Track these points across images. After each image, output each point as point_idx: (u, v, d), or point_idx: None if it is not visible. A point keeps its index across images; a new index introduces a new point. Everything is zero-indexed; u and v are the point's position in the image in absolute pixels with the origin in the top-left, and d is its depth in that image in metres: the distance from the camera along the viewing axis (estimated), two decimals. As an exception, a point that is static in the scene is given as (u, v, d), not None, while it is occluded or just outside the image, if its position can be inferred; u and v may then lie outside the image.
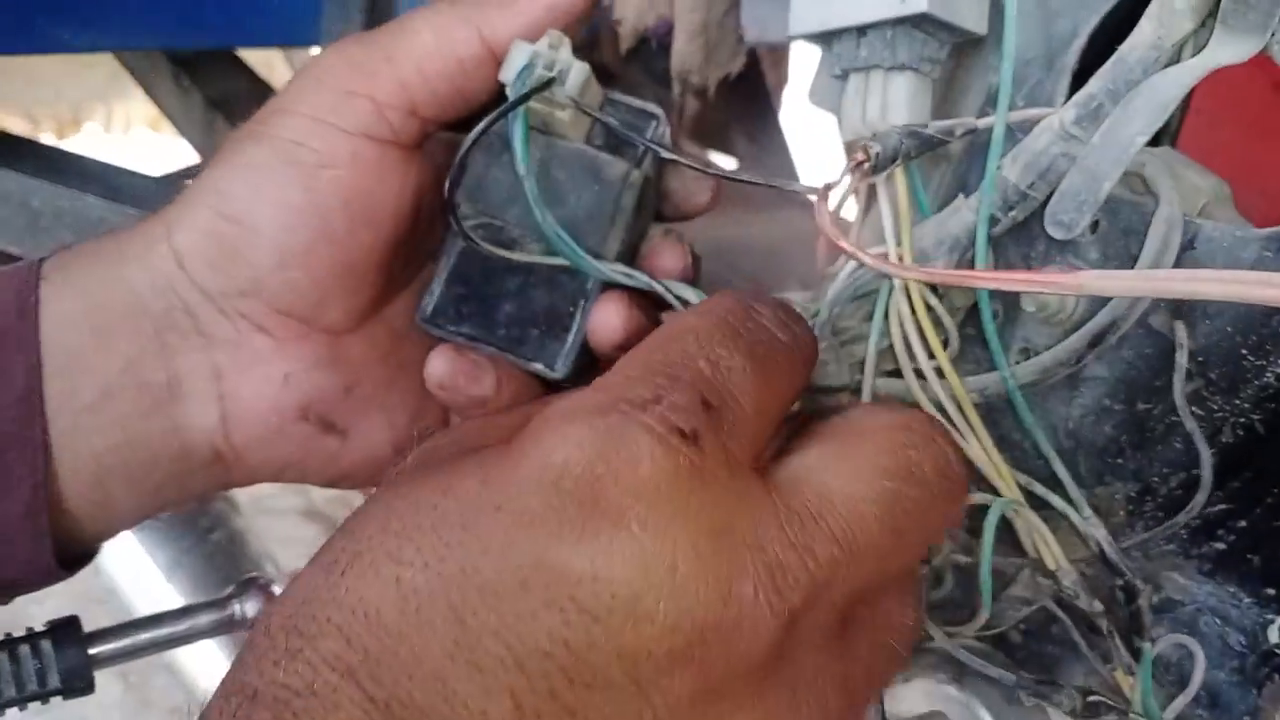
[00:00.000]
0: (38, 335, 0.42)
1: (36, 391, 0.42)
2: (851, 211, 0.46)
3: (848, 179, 0.39)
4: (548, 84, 0.41)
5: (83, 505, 0.44)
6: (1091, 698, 0.42)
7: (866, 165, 0.39)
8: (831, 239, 0.37)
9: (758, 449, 0.33)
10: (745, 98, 1.08)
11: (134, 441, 0.43)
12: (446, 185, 0.42)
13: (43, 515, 0.42)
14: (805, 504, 0.31)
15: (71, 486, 0.43)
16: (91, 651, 0.53)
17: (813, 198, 0.39)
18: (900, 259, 0.41)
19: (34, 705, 0.51)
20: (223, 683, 0.30)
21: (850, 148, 0.42)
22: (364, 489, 0.50)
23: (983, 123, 0.41)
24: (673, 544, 0.28)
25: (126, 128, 3.07)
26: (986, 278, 0.36)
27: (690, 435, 0.30)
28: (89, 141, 2.99)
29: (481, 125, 0.40)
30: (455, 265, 0.45)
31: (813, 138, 1.44)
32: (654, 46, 0.69)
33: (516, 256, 0.44)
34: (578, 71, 0.42)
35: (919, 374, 0.43)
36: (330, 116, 0.42)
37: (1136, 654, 0.43)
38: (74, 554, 0.45)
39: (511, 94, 0.41)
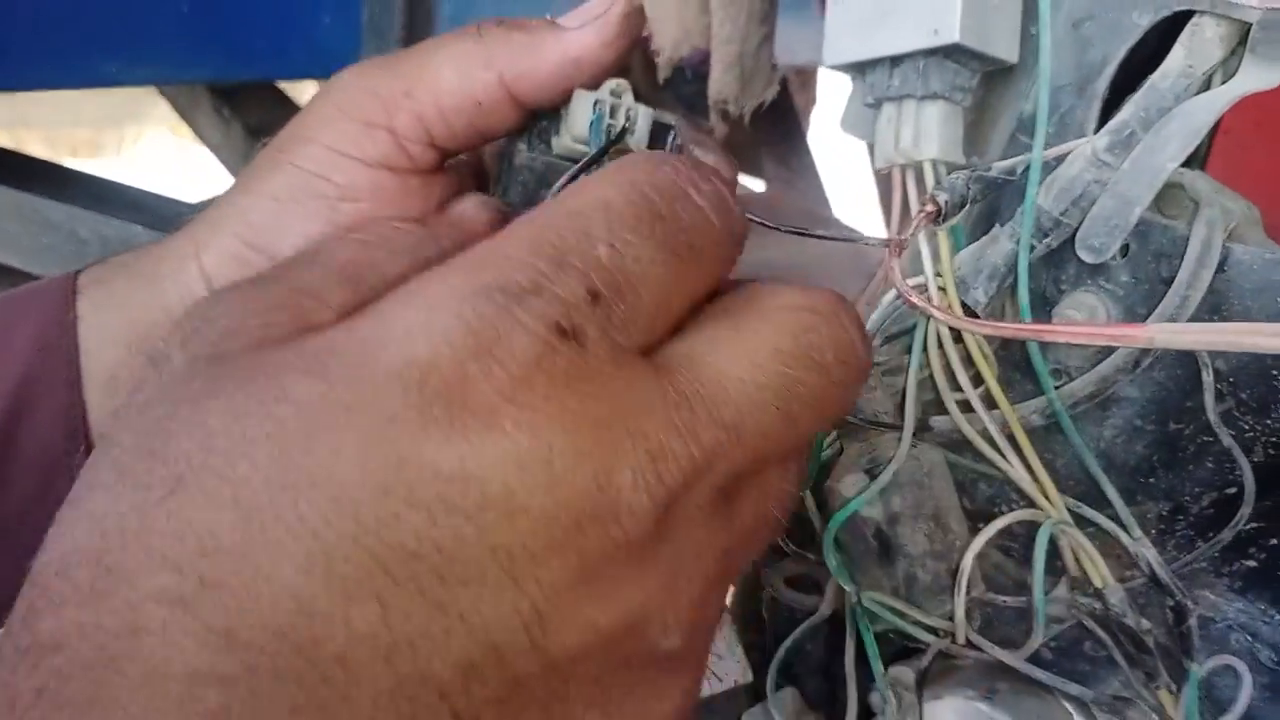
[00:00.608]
0: (78, 348, 0.43)
1: (79, 404, 0.43)
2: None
3: (917, 228, 0.40)
4: (621, 135, 0.42)
5: None
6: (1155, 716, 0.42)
7: (936, 214, 0.40)
8: (906, 297, 0.38)
9: (653, 338, 0.31)
10: (773, 120, 1.09)
11: None
12: None
13: None
14: (696, 388, 0.29)
15: None
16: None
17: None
18: (955, 309, 0.42)
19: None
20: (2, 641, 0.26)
21: (905, 192, 0.43)
22: None
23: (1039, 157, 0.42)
24: (548, 441, 0.26)
25: (137, 144, 3.11)
26: (1056, 332, 0.36)
27: (571, 332, 0.27)
28: (106, 163, 3.03)
29: (558, 185, 0.39)
30: None
31: (841, 159, 1.45)
32: (688, 74, 0.70)
33: None
34: (644, 117, 0.42)
35: (963, 405, 0.43)
36: (351, 149, 0.43)
37: (1177, 673, 0.43)
38: None
39: (591, 147, 0.42)
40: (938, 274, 0.43)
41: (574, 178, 0.39)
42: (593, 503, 0.27)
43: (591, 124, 0.42)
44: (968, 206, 0.41)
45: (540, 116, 0.44)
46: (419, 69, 0.42)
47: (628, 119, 0.42)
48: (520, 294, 0.27)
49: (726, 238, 0.33)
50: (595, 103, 0.42)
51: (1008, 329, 0.38)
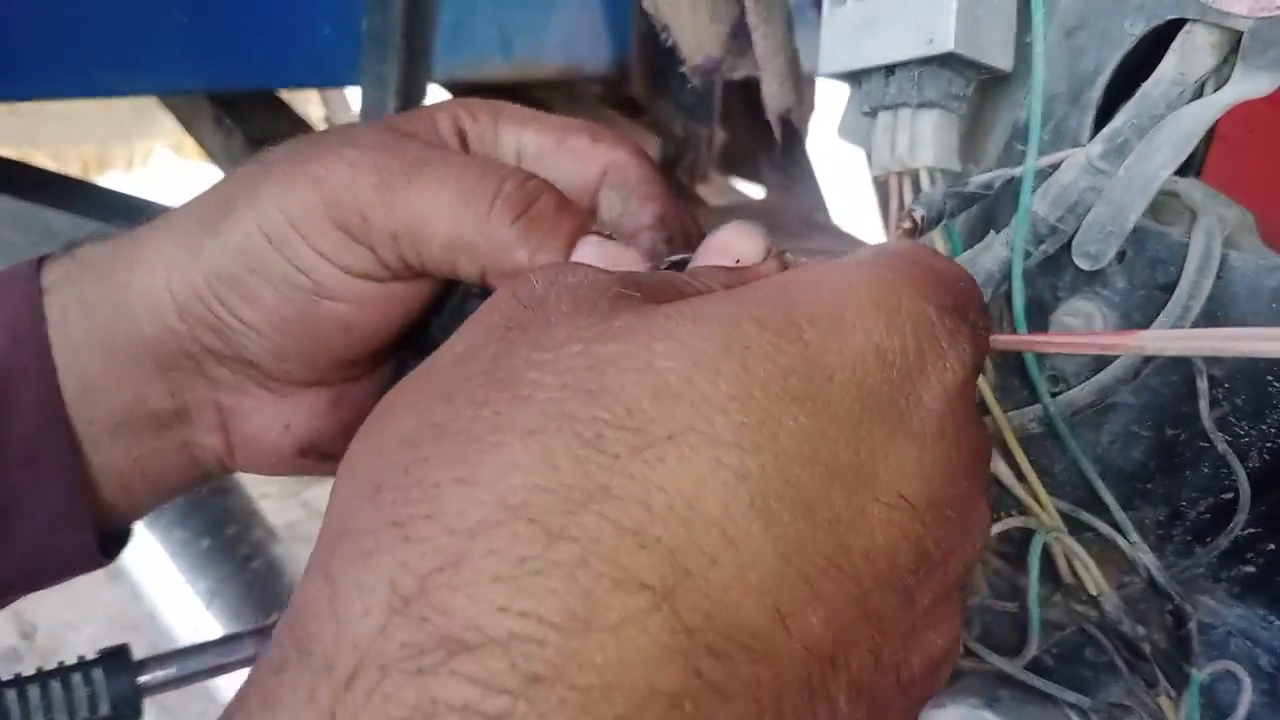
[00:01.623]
0: (49, 342, 0.42)
1: (56, 398, 0.42)
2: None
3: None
4: None
5: (112, 501, 0.45)
6: None
7: (914, 229, 0.40)
8: None
9: None
10: (771, 128, 1.09)
11: (149, 457, 0.45)
12: None
13: (82, 510, 0.43)
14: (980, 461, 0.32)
15: (101, 487, 0.45)
16: (140, 679, 0.55)
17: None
18: None
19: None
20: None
21: (892, 209, 0.43)
22: None
23: (1018, 171, 0.42)
24: (963, 457, 0.28)
25: (146, 162, 3.12)
26: (1054, 341, 0.37)
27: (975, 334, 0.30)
28: (114, 179, 3.04)
29: None
30: None
31: (839, 166, 1.45)
32: (688, 83, 0.70)
33: None
34: None
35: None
36: (332, 255, 0.40)
37: (1177, 678, 0.43)
38: (110, 541, 0.47)
39: None
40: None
41: None
42: (977, 521, 0.29)
43: None
44: (945, 220, 0.41)
45: (467, 288, 0.43)
46: (413, 218, 0.39)
47: None
48: (955, 312, 0.29)
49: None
50: None
51: (1000, 341, 0.38)
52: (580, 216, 0.40)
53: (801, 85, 0.65)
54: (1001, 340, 0.39)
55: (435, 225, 0.39)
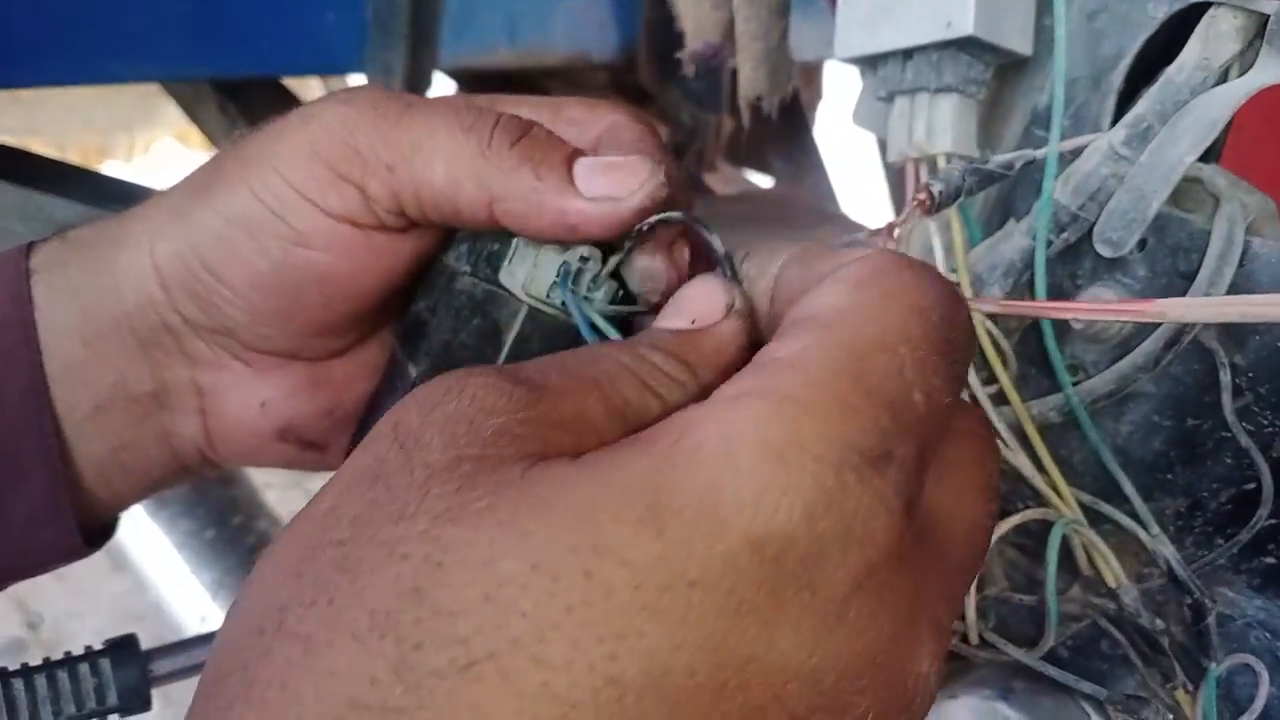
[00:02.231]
0: (35, 328, 0.42)
1: (43, 385, 0.42)
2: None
3: (909, 217, 0.40)
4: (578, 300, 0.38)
5: (95, 492, 0.45)
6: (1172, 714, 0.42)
7: (929, 204, 0.39)
8: None
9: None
10: (780, 116, 1.09)
11: (129, 446, 0.44)
12: (415, 371, 0.41)
13: (63, 500, 0.43)
14: (953, 553, 0.28)
15: (84, 477, 0.44)
16: (149, 669, 0.54)
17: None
18: (973, 293, 0.41)
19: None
20: None
21: (909, 185, 0.42)
22: None
23: (1040, 153, 0.41)
24: (887, 633, 0.24)
25: (147, 151, 3.11)
26: (1066, 309, 0.36)
27: (911, 506, 0.25)
28: (114, 169, 3.03)
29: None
30: None
31: (847, 153, 1.44)
32: (695, 68, 0.70)
33: None
34: (607, 289, 0.39)
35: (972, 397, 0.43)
36: (314, 195, 0.39)
37: (1195, 672, 0.43)
38: (94, 532, 0.46)
39: (565, 306, 0.38)
40: (952, 271, 0.42)
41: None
42: (907, 695, 0.25)
43: (555, 285, 0.38)
44: (962, 197, 0.40)
45: (479, 229, 0.40)
46: (411, 150, 0.38)
47: (591, 286, 0.39)
48: (875, 460, 0.24)
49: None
50: (562, 263, 0.39)
51: (1016, 306, 0.38)
52: (574, 151, 0.39)
53: (781, 73, 0.64)
54: (1015, 305, 0.38)
55: (435, 154, 0.38)
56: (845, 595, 0.24)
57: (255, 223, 0.40)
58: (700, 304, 0.33)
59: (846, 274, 0.28)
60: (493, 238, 0.40)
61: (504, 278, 0.39)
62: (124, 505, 0.47)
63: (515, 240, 0.39)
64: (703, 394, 0.28)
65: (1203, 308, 0.33)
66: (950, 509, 0.28)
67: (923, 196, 0.39)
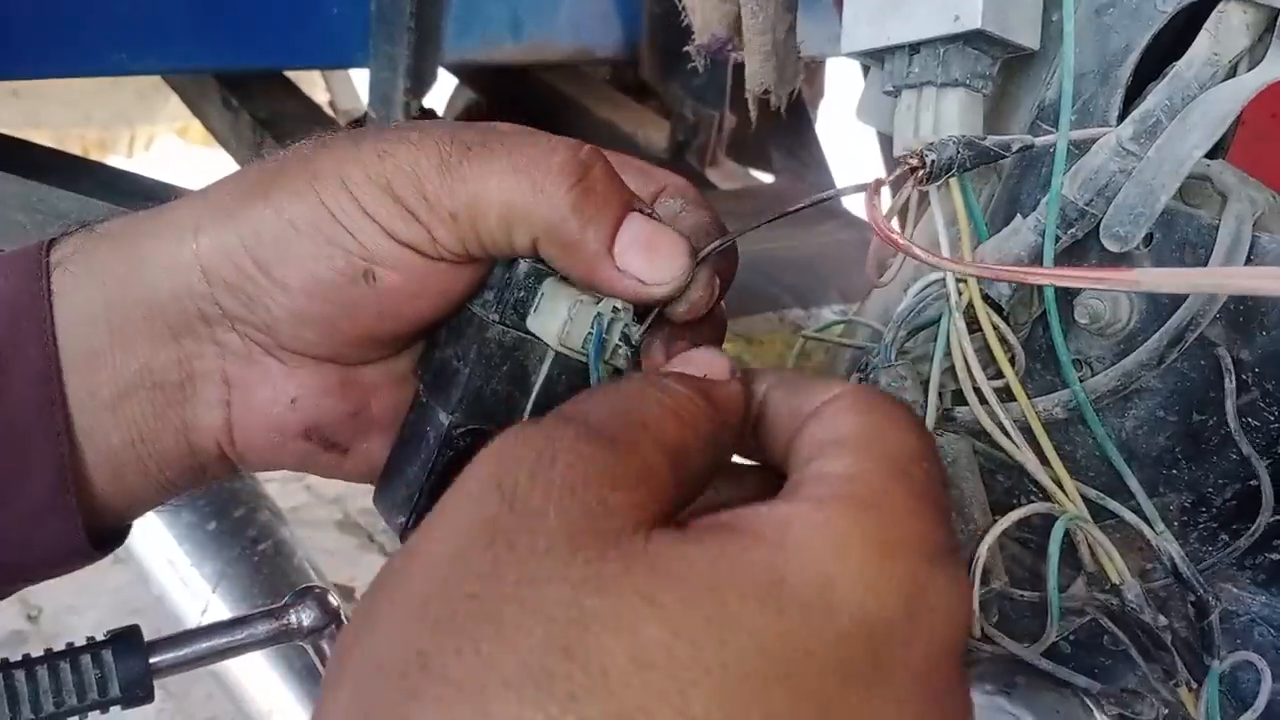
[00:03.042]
0: (52, 319, 0.42)
1: (55, 377, 0.42)
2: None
3: (899, 179, 0.40)
4: (623, 353, 0.42)
5: (106, 491, 0.44)
6: (1169, 708, 0.42)
7: (921, 172, 0.39)
8: (883, 233, 0.37)
9: None
10: (782, 112, 1.09)
11: (147, 439, 0.44)
12: (447, 418, 0.43)
13: (70, 496, 0.42)
14: None
15: (95, 474, 0.44)
16: (152, 661, 0.54)
17: (850, 202, 0.39)
18: (969, 310, 0.41)
19: (94, 714, 0.51)
20: None
21: (908, 154, 0.42)
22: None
23: (1040, 140, 0.41)
24: (954, 702, 0.29)
25: (149, 146, 3.11)
26: (1043, 274, 0.37)
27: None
28: (116, 163, 3.03)
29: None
30: (438, 480, 0.44)
31: (849, 150, 1.44)
32: (698, 64, 0.70)
33: None
34: (636, 338, 0.42)
35: (980, 395, 0.43)
36: (384, 221, 0.41)
37: (1198, 669, 0.43)
38: (103, 535, 0.45)
39: (590, 361, 0.42)
40: (958, 266, 0.42)
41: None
42: None
43: (590, 339, 0.42)
44: (955, 170, 0.40)
45: (508, 277, 0.43)
46: (471, 201, 0.40)
47: (622, 339, 0.42)
48: (950, 553, 0.30)
49: None
50: (595, 317, 0.42)
51: (994, 269, 0.38)
52: (629, 193, 0.41)
53: (789, 67, 0.64)
54: (995, 270, 0.39)
55: (491, 197, 0.40)
56: (926, 671, 0.28)
57: (322, 231, 0.41)
58: (709, 366, 0.38)
59: (848, 403, 0.34)
60: (519, 286, 0.42)
61: (531, 324, 0.42)
62: (135, 509, 0.46)
63: (541, 288, 0.42)
64: (729, 440, 0.34)
65: (1179, 277, 0.34)
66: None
67: (915, 163, 0.39)
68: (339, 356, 0.44)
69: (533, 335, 0.42)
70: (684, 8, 0.64)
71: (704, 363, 0.38)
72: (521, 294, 0.42)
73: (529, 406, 0.42)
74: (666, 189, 0.45)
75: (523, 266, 0.42)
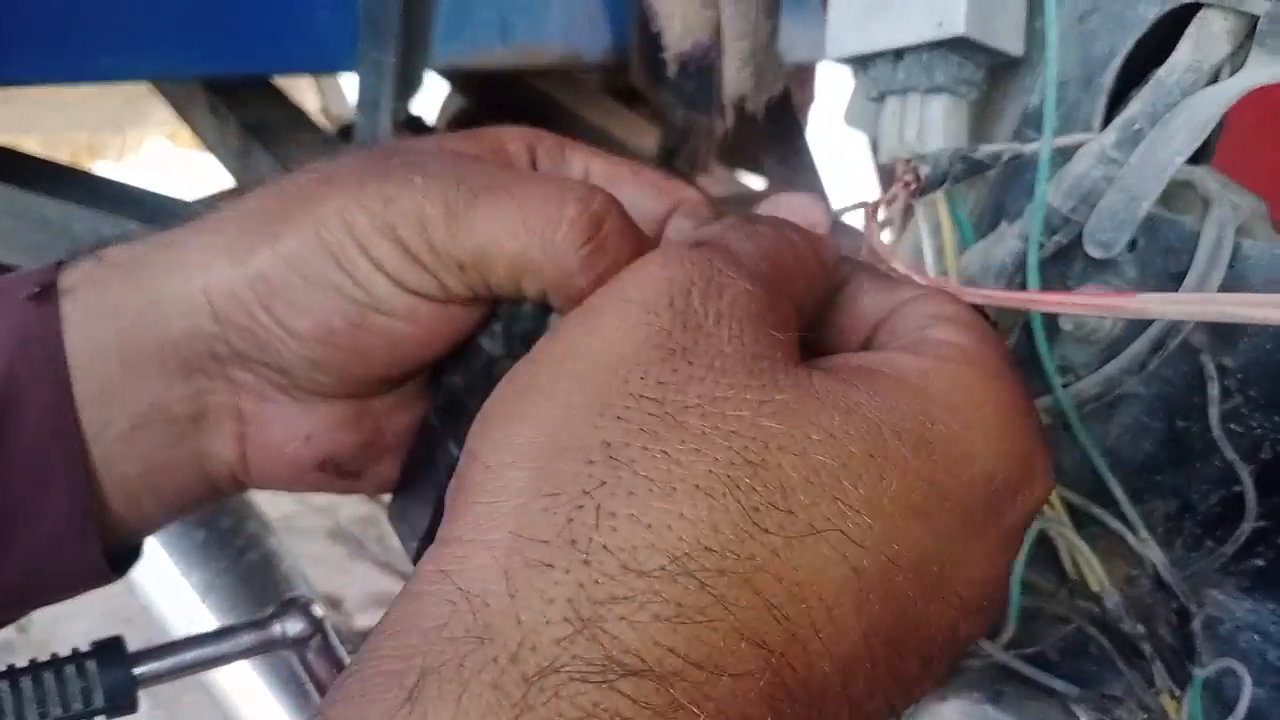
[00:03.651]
0: (63, 346, 0.41)
1: (69, 407, 0.41)
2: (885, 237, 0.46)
3: (894, 197, 0.40)
4: None
5: (122, 516, 0.44)
6: (1151, 715, 0.42)
7: (915, 186, 0.39)
8: (882, 259, 0.37)
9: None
10: (773, 117, 1.09)
11: (162, 469, 0.44)
12: (457, 452, 0.42)
13: (89, 521, 0.42)
14: None
15: (111, 500, 0.43)
16: (136, 671, 0.54)
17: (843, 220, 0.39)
18: (951, 276, 0.41)
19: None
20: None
21: (898, 168, 0.42)
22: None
23: (1029, 148, 0.41)
24: (1009, 557, 0.33)
25: (138, 150, 3.10)
26: (1047, 300, 0.36)
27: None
28: (105, 168, 3.02)
29: None
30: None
31: (840, 156, 1.44)
32: (687, 70, 0.70)
33: None
34: None
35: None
36: (393, 271, 0.40)
37: (1181, 676, 0.43)
38: (119, 556, 0.45)
39: None
40: (943, 273, 0.42)
41: None
42: (998, 604, 0.34)
43: None
44: (948, 183, 0.40)
45: (515, 311, 0.43)
46: (479, 252, 0.39)
47: None
48: (1045, 431, 0.33)
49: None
50: None
51: (1002, 297, 0.38)
52: (643, 243, 0.40)
53: (768, 74, 0.64)
54: (1002, 296, 0.39)
55: (499, 251, 0.39)
56: (1013, 528, 0.32)
57: (330, 281, 0.40)
58: (808, 215, 0.40)
59: (943, 298, 0.36)
60: (526, 318, 0.42)
61: None
62: (149, 529, 0.46)
63: (549, 319, 0.42)
64: (826, 299, 0.37)
65: (1184, 304, 0.34)
66: None
67: (909, 178, 0.39)
68: (353, 393, 0.44)
69: None
70: (655, 14, 0.64)
71: (803, 211, 0.40)
72: (528, 325, 0.43)
73: None
74: (680, 206, 0.45)
75: (530, 302, 0.42)
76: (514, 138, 0.45)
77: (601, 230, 0.39)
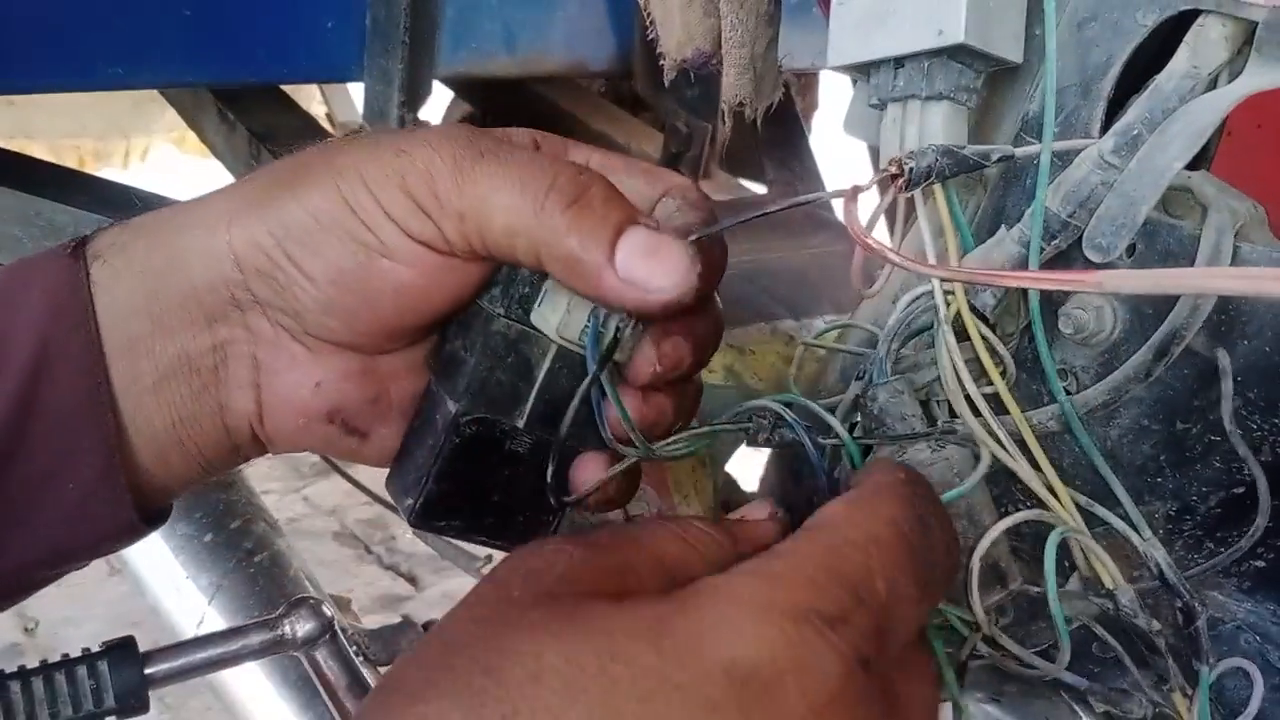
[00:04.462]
0: (94, 311, 0.44)
1: (99, 366, 0.44)
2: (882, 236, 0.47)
3: (877, 187, 0.40)
4: (614, 347, 0.44)
5: (151, 472, 0.47)
6: (1160, 709, 0.42)
7: (900, 180, 0.40)
8: (859, 239, 0.38)
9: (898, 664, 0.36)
10: (776, 124, 1.09)
11: (187, 421, 0.46)
12: (454, 406, 0.45)
13: (119, 476, 0.45)
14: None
15: (141, 456, 0.46)
16: (147, 671, 0.55)
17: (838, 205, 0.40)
18: (957, 321, 0.42)
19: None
20: None
21: (888, 162, 0.42)
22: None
23: (1020, 151, 0.42)
24: None
25: (144, 156, 3.11)
26: (1016, 277, 0.37)
27: (865, 662, 0.33)
28: (111, 175, 3.03)
29: (570, 411, 0.44)
30: (444, 465, 0.46)
31: (842, 162, 1.45)
32: (690, 77, 0.70)
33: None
34: (633, 333, 0.44)
35: (972, 406, 0.43)
36: (399, 219, 0.43)
37: (1190, 675, 0.43)
38: (149, 513, 0.48)
39: (588, 355, 0.44)
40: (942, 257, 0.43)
41: (584, 399, 0.44)
42: None
43: (586, 331, 0.44)
44: (934, 177, 0.41)
45: (514, 274, 0.45)
46: (478, 202, 0.42)
47: (618, 331, 0.43)
48: (832, 621, 0.32)
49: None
50: (593, 310, 0.44)
51: (968, 273, 0.38)
52: (627, 208, 0.43)
53: (767, 81, 0.65)
54: (969, 274, 0.40)
55: (495, 210, 0.42)
56: (802, 717, 0.31)
57: (344, 226, 0.43)
58: (753, 512, 0.43)
59: (854, 493, 0.38)
60: (524, 281, 0.44)
61: (535, 319, 0.44)
62: (178, 488, 0.49)
63: (545, 284, 0.44)
64: (738, 560, 0.37)
65: (1145, 279, 0.34)
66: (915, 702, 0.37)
67: (894, 170, 0.40)
68: (360, 345, 0.47)
69: (536, 329, 0.44)
70: (652, 22, 0.65)
71: (752, 510, 0.43)
72: (526, 289, 0.44)
73: (532, 396, 0.45)
74: (670, 190, 0.47)
75: (527, 268, 0.44)
76: (520, 133, 0.48)
77: (587, 193, 0.42)
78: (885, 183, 0.41)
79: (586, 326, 0.44)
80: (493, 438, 0.46)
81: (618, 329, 0.43)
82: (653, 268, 0.41)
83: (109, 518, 0.46)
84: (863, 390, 0.46)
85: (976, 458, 0.45)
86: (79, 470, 0.44)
